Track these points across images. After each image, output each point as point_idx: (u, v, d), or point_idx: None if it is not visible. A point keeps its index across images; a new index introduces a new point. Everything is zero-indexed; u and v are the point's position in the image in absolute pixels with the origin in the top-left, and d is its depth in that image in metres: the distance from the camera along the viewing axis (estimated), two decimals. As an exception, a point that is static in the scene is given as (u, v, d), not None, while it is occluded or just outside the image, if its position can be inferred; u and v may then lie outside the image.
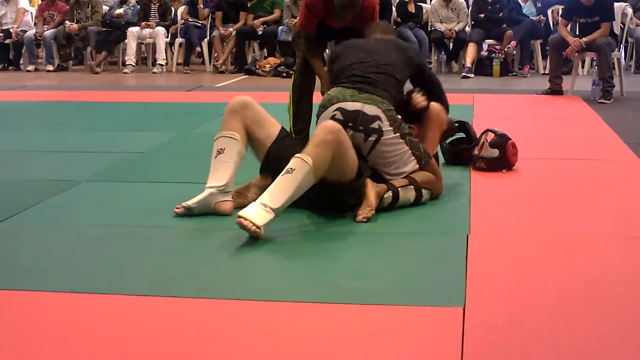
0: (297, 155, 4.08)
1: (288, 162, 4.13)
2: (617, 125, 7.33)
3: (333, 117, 4.52)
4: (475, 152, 5.51)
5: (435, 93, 5.02)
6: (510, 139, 5.47)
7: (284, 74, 12.39)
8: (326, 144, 4.12)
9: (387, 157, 4.59)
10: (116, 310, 3.10)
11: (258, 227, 3.87)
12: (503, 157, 5.44)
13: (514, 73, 12.56)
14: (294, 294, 3.25)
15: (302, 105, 6.21)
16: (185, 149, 6.50)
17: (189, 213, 4.38)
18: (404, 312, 3.04)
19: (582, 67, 12.18)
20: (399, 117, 4.67)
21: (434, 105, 4.93)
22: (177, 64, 13.70)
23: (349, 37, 5.69)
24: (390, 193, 4.49)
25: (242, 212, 3.90)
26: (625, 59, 12.82)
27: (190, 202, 4.37)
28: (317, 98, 6.19)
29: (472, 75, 12.20)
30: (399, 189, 4.54)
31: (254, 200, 4.07)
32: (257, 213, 3.91)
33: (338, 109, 4.57)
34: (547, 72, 10.87)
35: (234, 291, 3.28)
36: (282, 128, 4.67)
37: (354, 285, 3.32)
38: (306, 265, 3.65)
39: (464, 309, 3.03)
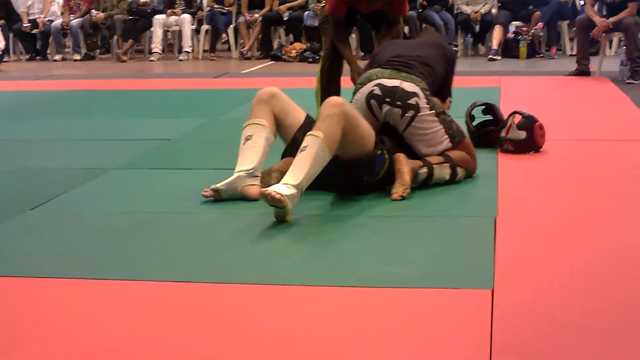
0: (309, 132, 4.13)
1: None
2: (646, 105, 7.29)
3: (371, 92, 4.60)
4: (503, 134, 5.49)
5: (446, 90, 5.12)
6: (538, 121, 5.44)
7: (310, 59, 12.38)
8: (332, 117, 4.15)
9: (423, 134, 4.62)
10: (140, 296, 3.13)
11: (282, 195, 3.89)
12: (531, 139, 5.42)
13: (541, 55, 12.49)
14: (318, 278, 3.25)
15: (330, 90, 6.20)
16: (213, 135, 6.51)
17: (217, 196, 4.40)
18: (433, 294, 3.05)
19: (610, 47, 12.09)
20: (435, 98, 4.74)
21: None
22: (204, 51, 13.73)
23: (376, 22, 5.72)
24: (425, 169, 4.53)
25: (267, 189, 3.95)
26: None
27: (218, 185, 4.39)
28: (345, 83, 6.24)
29: (499, 58, 12.14)
30: (434, 165, 4.57)
31: (276, 183, 4.16)
32: (281, 188, 3.95)
33: (377, 84, 4.64)
34: (574, 53, 10.80)
35: (258, 276, 3.29)
36: (308, 115, 4.70)
37: (380, 270, 3.32)
38: (331, 250, 3.64)
39: (492, 292, 3.03)
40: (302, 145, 4.12)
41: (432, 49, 5.03)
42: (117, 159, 5.59)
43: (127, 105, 8.45)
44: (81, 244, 3.81)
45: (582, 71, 9.60)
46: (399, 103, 4.57)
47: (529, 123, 5.44)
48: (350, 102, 4.64)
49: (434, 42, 5.18)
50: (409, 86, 4.60)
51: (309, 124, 4.56)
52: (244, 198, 4.42)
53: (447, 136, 4.67)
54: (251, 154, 4.48)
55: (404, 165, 4.42)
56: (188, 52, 13.47)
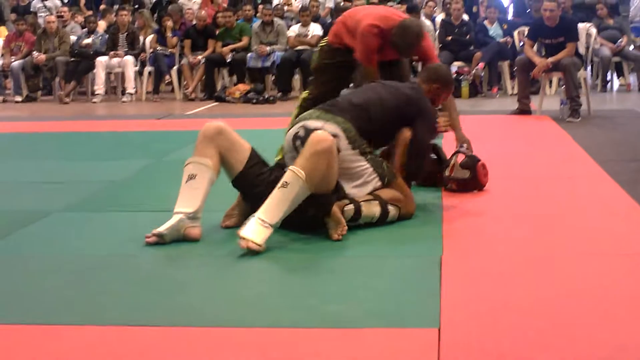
0: (290, 167, 4.23)
1: (256, 189, 4.44)
2: (586, 143, 7.39)
3: (296, 134, 4.67)
4: (446, 173, 5.53)
5: (414, 157, 4.92)
6: (480, 160, 5.51)
7: (254, 101, 12.40)
8: (319, 154, 4.23)
9: (348, 173, 4.63)
10: (89, 341, 3.08)
11: (260, 245, 4.08)
12: (474, 178, 5.48)
13: (483, 94, 12.64)
14: (270, 320, 3.25)
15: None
16: (157, 177, 6.48)
17: (160, 241, 4.36)
18: (379, 334, 3.05)
19: (550, 86, 12.27)
20: (364, 140, 4.71)
21: (404, 131, 4.92)
22: (147, 92, 13.68)
23: (395, 70, 5.79)
24: (351, 206, 4.52)
25: (242, 233, 4.09)
26: (591, 78, 12.93)
27: (161, 229, 4.36)
28: None
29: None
30: (362, 202, 4.56)
31: (242, 218, 4.44)
32: (256, 231, 4.09)
33: (302, 126, 4.70)
34: (515, 92, 10.95)
35: (209, 319, 3.28)
36: (253, 149, 4.66)
37: (330, 310, 3.32)
38: (281, 290, 3.66)
39: (439, 330, 3.04)
40: (283, 180, 4.20)
41: (395, 100, 4.90)
42: (60, 201, 5.53)
43: (70, 147, 8.38)
44: (24, 287, 3.76)
45: (523, 110, 9.73)
46: None
47: (472, 162, 5.50)
48: (254, 152, 4.67)
49: (404, 95, 4.97)
50: (330, 127, 4.60)
51: (257, 162, 4.61)
52: (186, 240, 4.40)
53: (375, 175, 4.68)
54: (194, 195, 4.46)
55: (337, 206, 4.43)
56: (131, 94, 13.41)
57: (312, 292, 3.58)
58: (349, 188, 4.65)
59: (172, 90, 14.06)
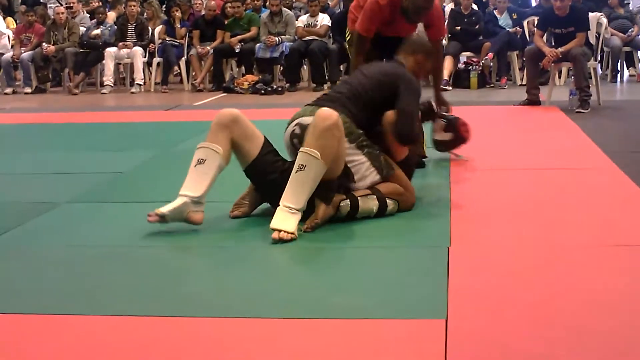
0: (302, 149, 4.25)
1: (269, 177, 4.47)
2: (595, 134, 7.37)
3: (293, 132, 4.69)
4: (435, 137, 6.08)
5: (400, 119, 4.79)
6: (459, 119, 6.09)
7: (262, 91, 12.39)
8: (327, 130, 4.26)
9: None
10: (96, 330, 3.09)
11: (292, 233, 4.14)
12: (457, 137, 6.10)
13: (492, 85, 12.62)
14: (276, 311, 3.25)
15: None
16: (165, 167, 6.49)
17: (161, 221, 4.37)
18: (387, 325, 3.05)
19: (559, 77, 12.24)
20: (360, 131, 4.70)
21: (387, 114, 4.84)
22: (155, 83, 13.69)
23: (394, 48, 5.72)
24: (347, 201, 4.51)
25: (273, 225, 4.14)
26: (601, 68, 12.89)
27: (163, 210, 4.37)
28: None
29: (450, 88, 12.23)
30: (359, 197, 4.56)
31: (252, 208, 4.65)
32: (285, 219, 4.16)
33: (297, 124, 4.72)
34: (524, 83, 10.92)
35: (215, 310, 3.28)
36: (266, 139, 4.68)
37: (336, 301, 3.31)
38: (286, 282, 3.66)
39: (446, 322, 3.04)
40: (298, 162, 4.23)
41: (381, 77, 4.90)
42: (68, 192, 5.54)
43: (79, 139, 8.38)
44: (33, 278, 3.77)
45: (532, 101, 9.70)
46: None
47: (453, 123, 6.07)
48: (267, 141, 4.69)
49: (389, 71, 4.98)
50: None
51: (270, 150, 4.63)
52: (187, 223, 4.42)
53: (373, 169, 4.67)
54: (201, 179, 4.47)
55: (319, 200, 4.41)
56: (140, 85, 13.41)
57: (318, 283, 3.60)
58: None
59: (181, 81, 14.07)
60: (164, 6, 15.39)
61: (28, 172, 6.46)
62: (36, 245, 4.34)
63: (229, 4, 13.86)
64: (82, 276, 3.77)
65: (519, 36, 12.77)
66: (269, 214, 4.35)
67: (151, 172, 6.35)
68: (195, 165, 4.50)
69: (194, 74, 13.73)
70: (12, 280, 3.76)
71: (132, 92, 13.27)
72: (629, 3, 13.93)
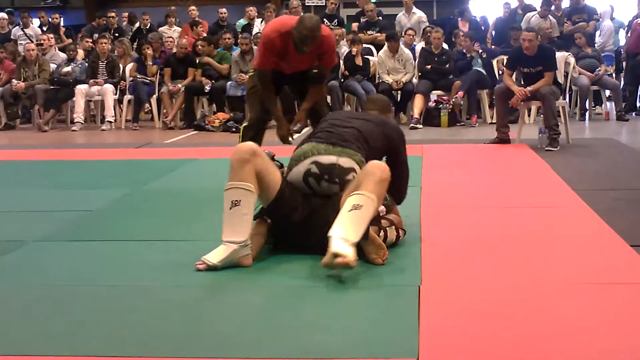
0: (361, 192, 4.31)
1: (292, 206, 4.57)
2: (565, 172, 7.42)
3: (309, 171, 4.65)
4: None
5: (399, 181, 4.99)
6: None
7: (234, 129, 12.37)
8: (383, 182, 4.40)
9: None
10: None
11: (355, 262, 4.13)
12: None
13: (462, 123, 12.68)
14: (250, 351, 3.23)
15: None
16: (135, 206, 6.45)
17: (213, 269, 4.34)
18: (358, 365, 3.04)
19: (529, 115, 12.32)
20: None
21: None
22: (126, 120, 13.66)
23: (300, 85, 5.84)
24: (382, 233, 4.65)
25: (336, 249, 4.10)
26: (570, 106, 13.01)
27: (213, 261, 4.35)
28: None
29: (421, 126, 12.30)
30: (387, 228, 4.72)
31: (256, 248, 4.51)
32: (346, 249, 4.12)
33: (314, 162, 4.67)
34: (494, 121, 10.99)
35: (189, 350, 3.26)
36: (282, 172, 4.73)
37: (309, 340, 3.31)
38: (260, 321, 3.63)
39: (417, 361, 3.04)
40: (355, 202, 4.27)
41: (375, 127, 4.99)
42: (37, 230, 5.50)
43: (48, 176, 8.33)
44: (1, 317, 3.72)
45: (502, 139, 9.76)
46: (336, 180, 4.63)
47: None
48: (285, 177, 4.71)
49: (380, 121, 5.11)
50: (345, 162, 4.67)
51: (286, 185, 4.65)
52: (239, 266, 4.41)
53: (382, 205, 4.74)
54: (242, 222, 4.42)
55: (371, 231, 4.48)
56: (111, 122, 13.37)
57: (293, 323, 3.57)
58: None
59: (152, 119, 14.06)
60: (135, 43, 15.40)
61: (-3, 210, 6.40)
62: (2, 284, 4.29)
63: (200, 42, 13.89)
64: (50, 316, 3.73)
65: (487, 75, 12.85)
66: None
67: (121, 210, 6.31)
68: (230, 208, 4.42)
69: (165, 111, 13.71)
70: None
71: (103, 130, 13.23)
72: (595, 43, 14.09)
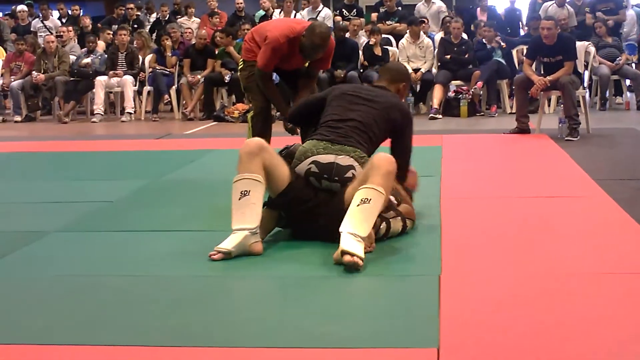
0: (368, 185, 4.35)
1: (302, 199, 4.65)
2: (584, 161, 7.39)
3: (309, 170, 4.72)
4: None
5: (401, 156, 4.95)
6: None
7: (252, 120, 12.39)
8: (391, 174, 4.45)
9: None
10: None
11: (362, 260, 4.13)
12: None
13: (482, 113, 12.64)
14: (267, 340, 3.24)
15: None
16: (155, 197, 6.47)
17: (227, 257, 4.40)
18: (378, 354, 3.04)
19: (548, 105, 12.27)
20: None
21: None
22: (146, 112, 13.69)
23: (294, 80, 6.27)
24: (384, 224, 4.68)
25: (345, 248, 4.13)
26: (590, 96, 12.95)
27: (228, 247, 4.41)
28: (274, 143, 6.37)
29: (440, 116, 12.27)
30: (391, 220, 4.73)
31: (265, 231, 4.64)
32: (355, 246, 4.16)
33: (313, 162, 4.74)
34: (513, 111, 10.95)
35: (203, 340, 3.26)
36: (291, 167, 4.79)
37: (327, 330, 3.31)
38: (277, 310, 3.64)
39: (438, 351, 3.03)
40: (363, 196, 4.32)
41: (380, 111, 4.96)
42: (58, 221, 5.52)
43: (69, 167, 8.37)
44: (23, 308, 3.75)
45: (522, 129, 9.73)
46: (336, 178, 4.70)
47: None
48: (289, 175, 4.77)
49: (388, 104, 5.03)
50: (343, 160, 4.72)
51: (296, 179, 4.73)
52: (250, 254, 4.45)
53: (391, 196, 4.76)
54: (252, 210, 4.52)
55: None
56: (130, 114, 13.40)
57: (310, 312, 3.58)
58: None
59: (171, 110, 14.08)
60: (154, 35, 15.42)
61: (17, 201, 6.43)
62: (25, 275, 4.32)
63: (219, 34, 13.89)
64: (71, 306, 3.75)
65: (507, 64, 12.79)
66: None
67: (141, 201, 6.33)
68: (240, 199, 4.52)
69: (184, 102, 13.74)
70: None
71: (122, 121, 13.26)
72: (621, 33, 13.98)
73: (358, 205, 4.32)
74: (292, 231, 4.86)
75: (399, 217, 4.80)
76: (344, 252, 4.12)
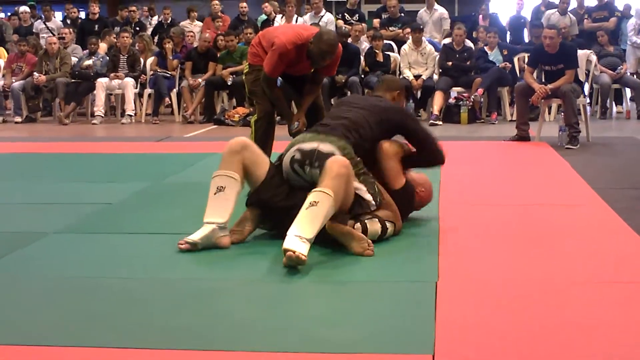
0: (318, 189, 4.42)
1: (276, 199, 4.79)
2: (584, 170, 7.40)
3: (293, 158, 4.85)
4: None
5: (426, 149, 5.25)
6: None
7: (253, 124, 12.40)
8: (341, 177, 4.47)
9: None
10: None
11: (305, 256, 4.18)
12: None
13: (482, 120, 12.64)
14: (264, 343, 3.24)
15: (265, 153, 6.39)
16: (155, 199, 6.47)
17: (193, 248, 4.58)
18: (374, 360, 3.05)
19: (549, 113, 12.28)
20: (358, 158, 4.89)
21: (382, 143, 5.12)
22: (146, 114, 13.70)
23: (300, 85, 6.41)
24: (358, 224, 4.71)
25: (287, 246, 4.18)
26: (590, 104, 12.96)
27: (195, 238, 4.60)
28: (277, 147, 6.39)
29: (440, 123, 12.27)
30: (366, 221, 4.74)
31: (249, 233, 4.81)
32: (298, 245, 4.20)
33: (297, 149, 4.89)
34: (514, 118, 10.96)
35: (203, 341, 3.28)
36: (271, 166, 4.94)
37: (323, 334, 3.32)
38: (274, 314, 3.64)
39: (433, 357, 3.03)
40: (311, 199, 4.37)
41: (373, 113, 5.12)
42: (57, 223, 5.53)
43: (69, 169, 8.38)
44: (20, 309, 3.75)
45: (522, 136, 9.74)
46: (317, 164, 4.76)
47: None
48: (275, 165, 4.95)
49: (380, 106, 5.22)
50: (325, 147, 4.81)
51: (273, 174, 4.88)
52: (217, 248, 4.62)
53: (370, 195, 4.82)
54: (224, 206, 4.72)
55: (345, 226, 4.61)
56: (131, 116, 13.42)
57: (306, 317, 3.59)
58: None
59: (172, 113, 14.08)
60: (156, 37, 15.43)
61: (17, 201, 6.45)
62: (23, 276, 4.32)
63: (222, 37, 13.90)
64: (70, 307, 3.76)
65: (508, 71, 12.80)
66: (260, 243, 4.35)
67: (141, 203, 6.33)
68: (215, 193, 4.74)
69: (185, 105, 13.74)
70: (-2, 311, 3.75)
71: (123, 123, 13.27)
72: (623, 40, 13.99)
73: (306, 208, 4.37)
74: (277, 231, 4.86)
75: (376, 219, 4.78)
76: (285, 250, 4.18)
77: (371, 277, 4.20)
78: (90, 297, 3.92)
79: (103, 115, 13.53)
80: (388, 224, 4.83)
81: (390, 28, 14.25)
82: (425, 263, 4.42)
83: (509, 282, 4.07)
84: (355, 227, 4.67)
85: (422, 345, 3.16)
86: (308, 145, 4.85)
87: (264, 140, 6.47)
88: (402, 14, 14.65)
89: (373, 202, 4.82)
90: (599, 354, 3.10)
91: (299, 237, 4.24)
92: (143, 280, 4.21)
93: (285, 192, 4.83)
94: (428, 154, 5.32)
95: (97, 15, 16.19)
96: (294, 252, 4.15)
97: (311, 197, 4.39)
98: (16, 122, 13.69)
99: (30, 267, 4.51)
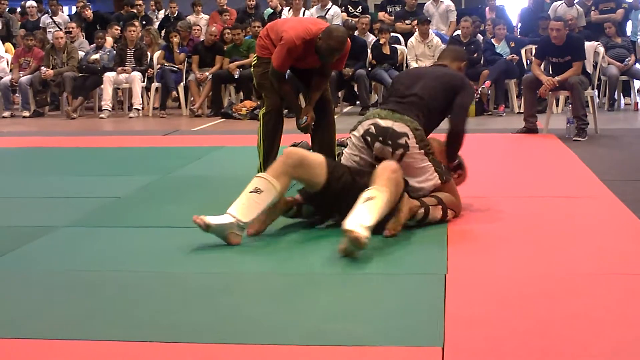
0: (371, 188, 4.55)
1: (341, 197, 4.83)
2: (592, 162, 7.38)
3: (368, 130, 5.08)
4: None
5: (454, 115, 5.37)
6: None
7: (260, 117, 12.39)
8: (391, 180, 4.62)
9: (413, 169, 5.03)
10: (92, 356, 3.09)
11: (367, 239, 4.23)
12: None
13: (489, 112, 12.63)
14: (271, 337, 3.24)
15: (273, 148, 6.45)
16: (163, 193, 6.48)
17: (203, 228, 4.53)
18: (383, 352, 3.04)
19: (557, 105, 12.24)
20: (427, 138, 5.14)
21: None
22: (154, 108, 13.70)
23: (308, 78, 6.42)
24: (422, 210, 4.94)
25: (348, 227, 4.24)
26: (598, 96, 12.93)
27: (211, 221, 4.54)
28: (284, 141, 6.38)
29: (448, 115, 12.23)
30: (430, 207, 4.96)
31: (266, 226, 4.82)
32: (359, 228, 4.23)
33: (373, 123, 5.10)
34: (521, 111, 10.95)
35: (213, 335, 3.28)
36: (327, 161, 4.98)
37: (332, 327, 3.31)
38: (282, 308, 3.64)
39: (442, 349, 3.03)
40: (367, 196, 4.48)
41: (439, 84, 5.31)
42: (66, 216, 5.54)
43: (77, 163, 8.39)
44: (31, 303, 3.76)
45: (530, 129, 9.72)
46: (389, 142, 5.00)
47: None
48: (351, 131, 5.20)
49: (446, 78, 5.38)
50: (399, 127, 5.02)
51: (333, 167, 4.99)
52: (224, 241, 4.57)
53: (436, 174, 5.07)
54: (253, 207, 4.68)
55: (405, 205, 4.79)
56: (138, 110, 13.42)
57: (313, 309, 3.58)
58: (413, 182, 5.04)
59: (179, 107, 14.09)
60: (163, 31, 15.43)
61: (25, 196, 6.45)
62: (32, 269, 4.33)
63: (229, 30, 13.90)
64: (78, 301, 3.77)
65: (515, 63, 12.78)
66: (269, 238, 4.34)
67: (148, 197, 6.34)
68: (250, 192, 4.71)
69: (192, 99, 13.75)
70: (7, 304, 3.75)
71: (130, 117, 13.28)
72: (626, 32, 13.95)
73: (364, 202, 4.45)
74: (314, 210, 5.08)
75: (440, 206, 5.01)
76: (346, 231, 4.22)
77: (380, 269, 4.20)
78: (98, 290, 3.93)
79: (110, 109, 13.54)
80: (449, 212, 5.09)
81: (406, 21, 14.23)
82: (434, 255, 4.41)
83: (517, 274, 4.07)
84: (420, 211, 4.92)
85: (431, 337, 3.16)
86: (383, 123, 5.04)
87: (272, 134, 6.48)
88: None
89: (438, 182, 5.08)
90: (607, 347, 3.09)
91: (358, 223, 4.28)
92: (150, 274, 4.21)
93: (349, 179, 4.93)
94: (453, 117, 5.39)
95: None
96: (362, 237, 4.18)
97: (367, 194, 4.50)
98: (24, 117, 13.70)
99: (39, 260, 4.52)
